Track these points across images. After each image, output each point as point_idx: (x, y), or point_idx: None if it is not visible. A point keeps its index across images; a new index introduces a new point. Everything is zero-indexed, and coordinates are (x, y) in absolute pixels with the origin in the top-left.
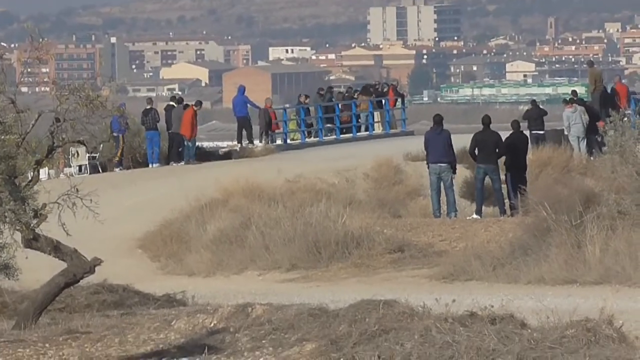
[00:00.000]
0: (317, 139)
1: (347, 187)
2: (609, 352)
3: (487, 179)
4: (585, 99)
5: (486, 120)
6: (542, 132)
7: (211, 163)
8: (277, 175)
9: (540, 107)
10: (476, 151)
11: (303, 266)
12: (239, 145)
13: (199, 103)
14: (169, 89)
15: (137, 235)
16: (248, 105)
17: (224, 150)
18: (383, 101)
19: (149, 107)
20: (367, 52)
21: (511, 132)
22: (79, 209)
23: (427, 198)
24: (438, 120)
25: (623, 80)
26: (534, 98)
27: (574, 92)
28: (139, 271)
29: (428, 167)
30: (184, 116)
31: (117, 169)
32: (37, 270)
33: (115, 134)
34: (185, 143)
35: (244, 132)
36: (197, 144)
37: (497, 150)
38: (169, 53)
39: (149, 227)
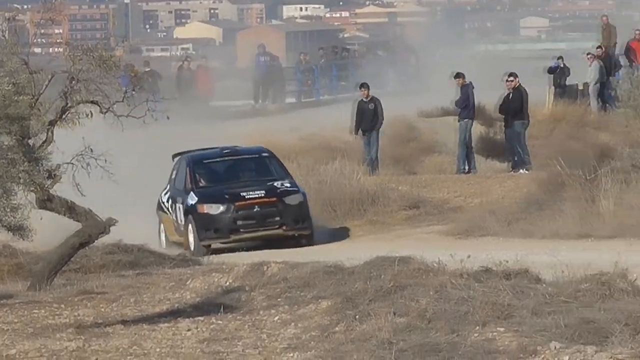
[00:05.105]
0: (333, 96)
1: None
2: (624, 305)
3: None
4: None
5: None
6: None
7: (226, 121)
8: (291, 133)
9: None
10: None
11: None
12: (254, 103)
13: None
14: (183, 49)
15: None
16: (264, 62)
17: (238, 108)
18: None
19: (147, 69)
20: (381, 10)
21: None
22: (93, 169)
23: (442, 155)
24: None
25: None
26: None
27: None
28: (153, 232)
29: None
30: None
31: None
32: (51, 232)
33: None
34: None
35: (260, 90)
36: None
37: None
38: (183, 12)
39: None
